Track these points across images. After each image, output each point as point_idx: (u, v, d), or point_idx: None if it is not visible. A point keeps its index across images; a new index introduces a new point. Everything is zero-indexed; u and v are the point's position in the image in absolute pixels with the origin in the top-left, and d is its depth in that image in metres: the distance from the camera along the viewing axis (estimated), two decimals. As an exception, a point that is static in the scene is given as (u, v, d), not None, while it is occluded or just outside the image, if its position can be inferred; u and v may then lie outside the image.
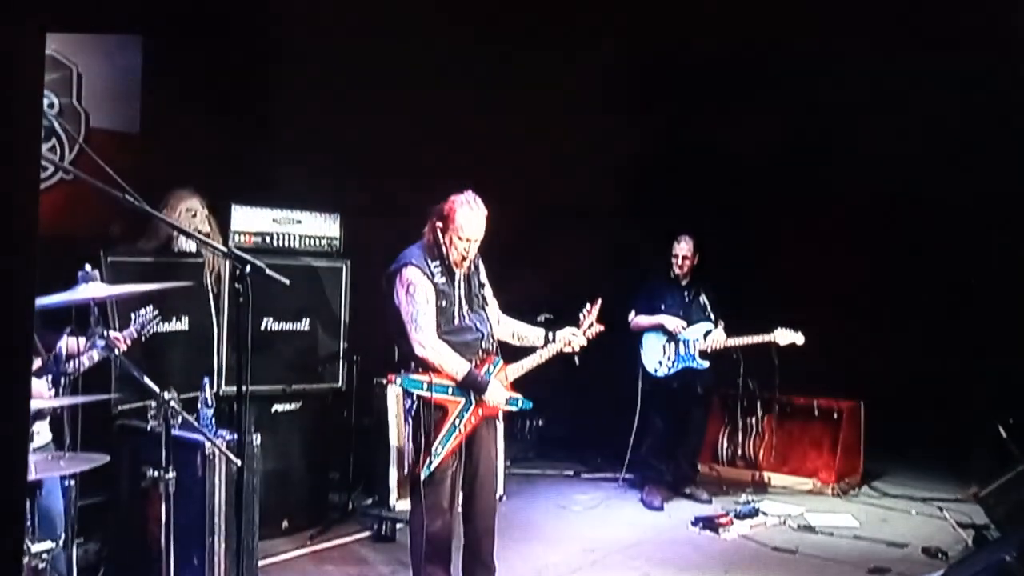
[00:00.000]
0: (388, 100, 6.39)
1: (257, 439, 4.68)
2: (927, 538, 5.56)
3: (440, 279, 4.25)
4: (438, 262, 4.28)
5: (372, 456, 6.22)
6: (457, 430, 4.27)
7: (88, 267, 2.81)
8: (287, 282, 3.08)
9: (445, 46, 6.40)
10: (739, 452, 7.23)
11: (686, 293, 6.61)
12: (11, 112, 1.60)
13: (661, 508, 6.33)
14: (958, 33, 6.28)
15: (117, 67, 5.60)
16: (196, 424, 4.19)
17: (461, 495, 4.39)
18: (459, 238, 4.22)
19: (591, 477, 7.18)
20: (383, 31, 6.27)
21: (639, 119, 7.38)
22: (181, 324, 5.26)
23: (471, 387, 4.26)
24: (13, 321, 1.60)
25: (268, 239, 5.71)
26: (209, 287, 5.41)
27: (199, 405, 4.56)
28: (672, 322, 6.44)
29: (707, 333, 6.46)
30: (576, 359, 7.84)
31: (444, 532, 4.30)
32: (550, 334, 4.53)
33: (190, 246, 5.30)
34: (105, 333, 2.86)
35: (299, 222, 5.86)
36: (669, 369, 6.48)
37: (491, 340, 4.42)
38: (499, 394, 4.31)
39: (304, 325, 5.86)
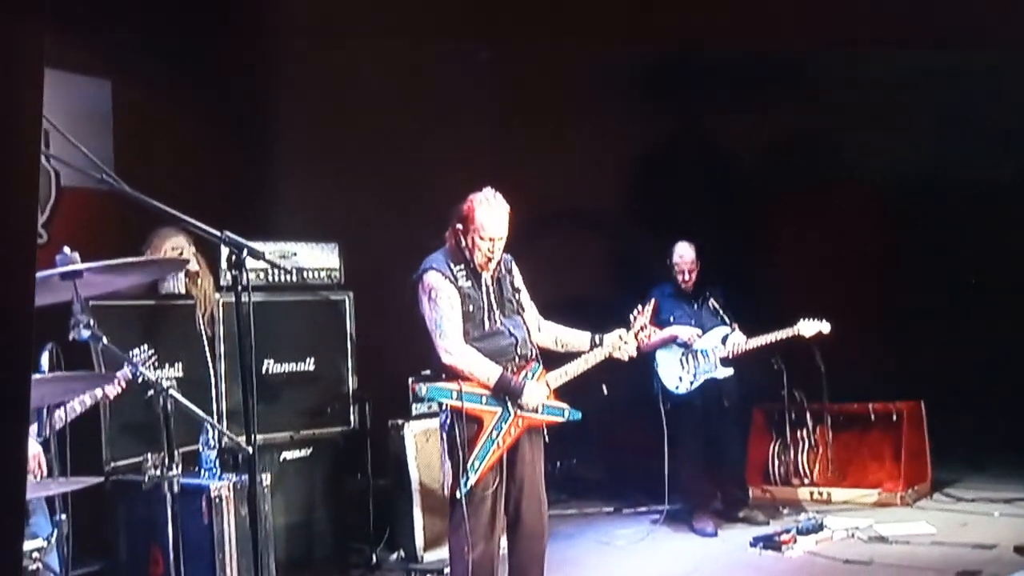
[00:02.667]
0: (381, 116, 6.34)
1: (267, 479, 4.52)
2: (1017, 538, 5.34)
3: (465, 283, 4.19)
4: (462, 266, 4.22)
5: (394, 503, 6.02)
6: (495, 443, 4.13)
7: (67, 249, 2.70)
8: (288, 266, 2.97)
9: (442, 49, 6.39)
10: (793, 469, 7.01)
11: (693, 301, 6.46)
12: (11, 112, 1.64)
13: (715, 534, 6.11)
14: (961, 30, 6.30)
15: (84, 114, 5.57)
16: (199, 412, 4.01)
17: (504, 519, 4.23)
18: (481, 238, 4.15)
19: (632, 512, 6.96)
20: (374, 42, 6.26)
21: (638, 116, 7.35)
22: (175, 371, 5.13)
23: (505, 392, 4.14)
24: (13, 320, 1.63)
25: (263, 275, 5.59)
26: (203, 330, 5.29)
27: (200, 448, 4.42)
28: (686, 331, 6.28)
29: (725, 337, 6.29)
30: (604, 388, 7.86)
31: (487, 560, 4.14)
32: (597, 337, 4.42)
33: (178, 287, 5.20)
34: (91, 322, 2.73)
35: (295, 254, 5.75)
36: (691, 383, 6.29)
37: (528, 346, 4.31)
38: (537, 396, 4.18)
39: (309, 365, 5.73)
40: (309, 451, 5.67)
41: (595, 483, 7.67)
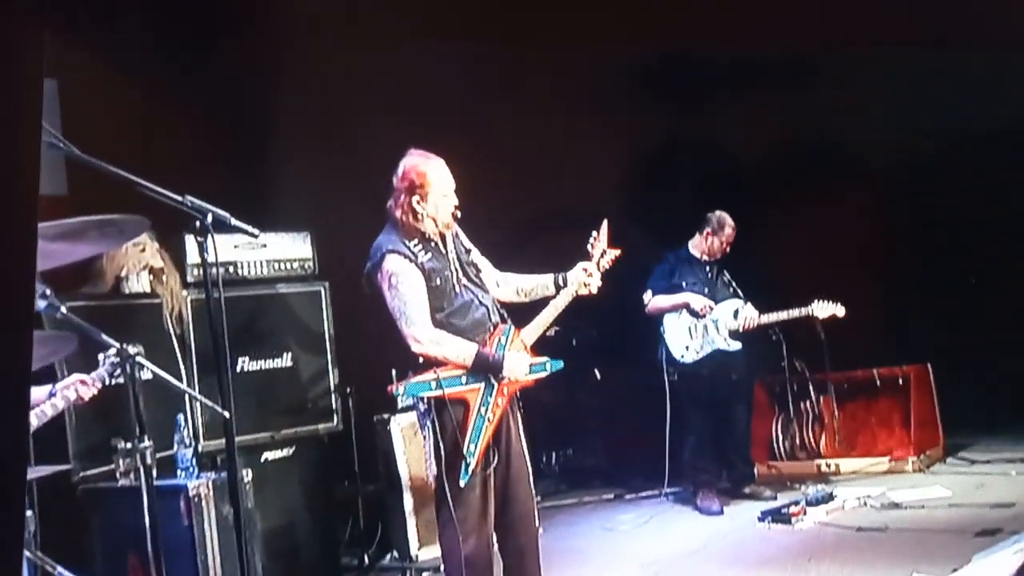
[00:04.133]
0: (352, 100, 6.26)
1: (248, 474, 4.44)
2: (1037, 493, 5.33)
3: (426, 257, 4.04)
4: (416, 240, 4.07)
5: (384, 501, 5.95)
6: (486, 420, 4.01)
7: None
8: (256, 233, 2.91)
9: (429, 45, 6.34)
10: (798, 443, 6.98)
11: (708, 269, 6.43)
12: (11, 112, 1.68)
13: (721, 512, 6.08)
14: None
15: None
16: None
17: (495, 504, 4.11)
18: (444, 196, 4.05)
19: (634, 497, 6.91)
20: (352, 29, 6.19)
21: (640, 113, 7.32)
22: (144, 373, 5.03)
23: (486, 370, 4.03)
24: (13, 320, 1.67)
25: (231, 268, 5.51)
26: (171, 329, 5.20)
27: (175, 446, 4.33)
28: (699, 301, 6.25)
29: (736, 311, 6.26)
30: (597, 372, 7.82)
31: (483, 550, 4.02)
32: (560, 278, 4.27)
33: (142, 285, 5.11)
34: (47, 292, 2.66)
35: (264, 246, 5.66)
36: (698, 353, 6.27)
37: (497, 310, 4.20)
38: (521, 365, 4.07)
39: (286, 361, 5.63)
40: (291, 450, 5.56)
41: (594, 471, 7.64)
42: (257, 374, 5.48)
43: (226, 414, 2.91)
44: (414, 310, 3.98)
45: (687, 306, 6.26)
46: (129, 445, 3.38)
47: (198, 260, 5.27)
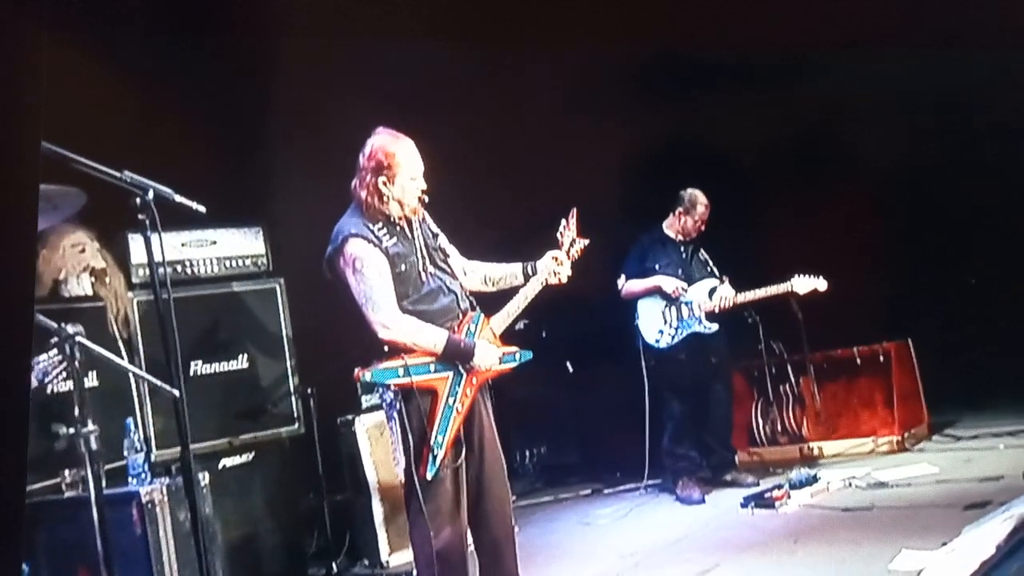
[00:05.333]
0: (308, 82, 6.16)
1: (205, 478, 4.35)
2: (1028, 464, 5.34)
3: (391, 241, 3.99)
4: (380, 223, 4.01)
5: (351, 507, 5.86)
6: (454, 410, 3.98)
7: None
8: (203, 209, 2.85)
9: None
10: (779, 428, 6.96)
11: (682, 249, 6.40)
12: (11, 110, 1.76)
13: (702, 501, 6.05)
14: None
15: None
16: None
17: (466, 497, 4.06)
18: (412, 178, 4.00)
19: (612, 492, 6.86)
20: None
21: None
22: (89, 380, 4.91)
23: (456, 358, 3.99)
24: (12, 319, 1.76)
25: (179, 268, 5.42)
26: (117, 333, 5.09)
27: (125, 452, 4.23)
28: (670, 283, 6.21)
29: (712, 291, 6.23)
30: (569, 365, 7.77)
31: (456, 544, 3.96)
32: (529, 267, 4.29)
33: (84, 288, 5.00)
34: None
35: (214, 242, 5.58)
36: (673, 337, 6.23)
37: (465, 297, 4.17)
38: (492, 354, 4.05)
39: (241, 363, 5.54)
40: (251, 456, 5.47)
41: (569, 467, 7.60)
42: (212, 378, 5.39)
43: (176, 392, 2.83)
44: (380, 295, 3.93)
45: (659, 289, 6.23)
46: (72, 430, 3.27)
47: (143, 260, 5.26)
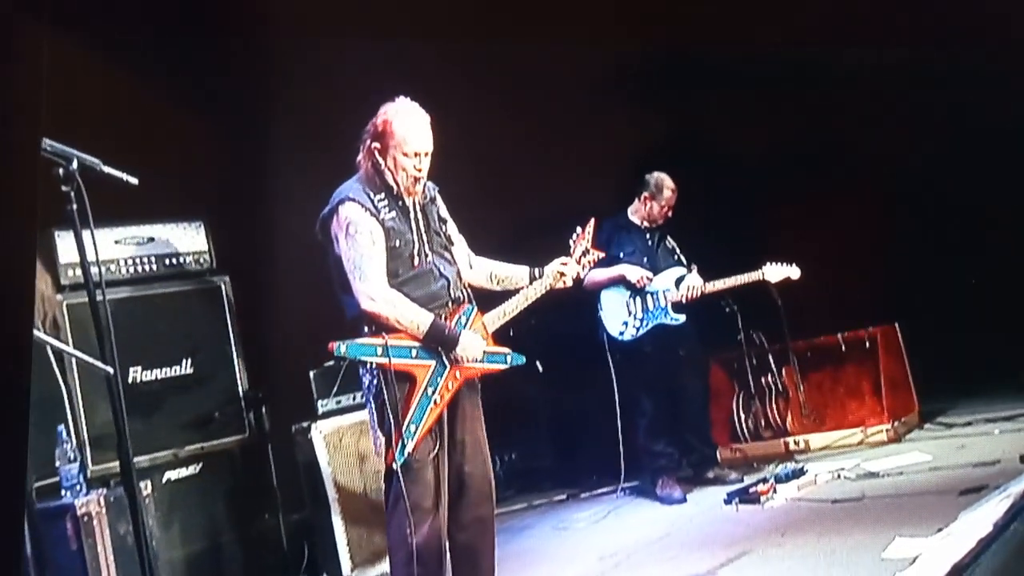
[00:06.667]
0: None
1: (147, 487, 4.19)
2: (1022, 448, 5.21)
3: (388, 214, 3.96)
4: (383, 194, 3.99)
5: (309, 520, 5.68)
6: (432, 401, 3.91)
7: None
8: (135, 181, 2.73)
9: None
10: (763, 422, 6.84)
11: (648, 237, 6.27)
12: (11, 111, 1.78)
13: (683, 499, 5.93)
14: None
15: None
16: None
17: (447, 491, 4.00)
18: (405, 154, 3.94)
19: (589, 496, 6.72)
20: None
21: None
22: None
23: (439, 343, 3.94)
24: (12, 319, 1.77)
25: (114, 267, 5.24)
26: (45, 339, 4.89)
27: (57, 462, 4.05)
28: (634, 272, 6.08)
29: (679, 280, 6.10)
30: (539, 364, 7.62)
31: (434, 540, 3.90)
32: (536, 270, 4.32)
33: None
34: None
35: (151, 239, 5.41)
36: (638, 329, 6.09)
37: (460, 287, 4.12)
38: (475, 346, 4.00)
39: (186, 367, 5.37)
40: (198, 468, 5.30)
41: (543, 472, 7.46)
42: (152, 384, 5.24)
43: (109, 370, 2.69)
44: (370, 264, 3.90)
45: (623, 279, 6.09)
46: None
47: (72, 259, 5.06)
